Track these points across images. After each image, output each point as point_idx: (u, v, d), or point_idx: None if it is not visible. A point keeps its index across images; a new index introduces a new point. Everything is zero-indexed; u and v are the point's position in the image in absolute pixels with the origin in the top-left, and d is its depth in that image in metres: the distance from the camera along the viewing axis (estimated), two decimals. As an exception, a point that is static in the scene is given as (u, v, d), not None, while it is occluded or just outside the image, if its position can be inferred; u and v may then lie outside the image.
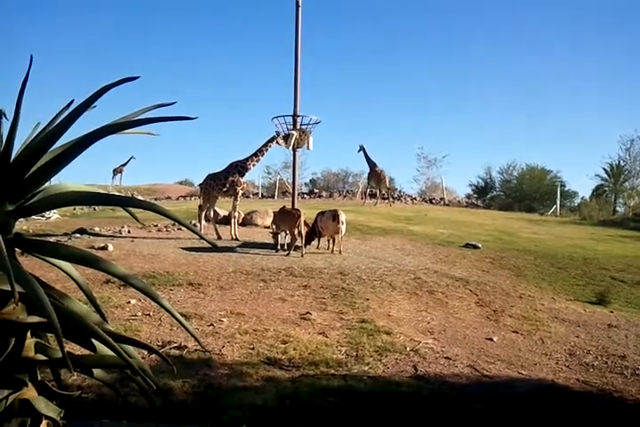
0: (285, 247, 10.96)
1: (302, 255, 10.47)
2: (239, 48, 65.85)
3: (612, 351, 6.38)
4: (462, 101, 63.94)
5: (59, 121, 2.10)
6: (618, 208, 32.31)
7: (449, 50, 64.45)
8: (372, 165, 22.61)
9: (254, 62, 65.72)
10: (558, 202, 30.31)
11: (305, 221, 11.17)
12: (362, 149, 22.65)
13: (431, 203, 30.68)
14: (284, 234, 11.25)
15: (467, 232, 15.88)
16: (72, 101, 2.13)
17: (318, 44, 57.93)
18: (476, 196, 37.08)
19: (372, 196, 29.98)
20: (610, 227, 21.26)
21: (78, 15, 64.26)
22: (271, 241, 11.34)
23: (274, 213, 11.81)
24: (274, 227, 11.47)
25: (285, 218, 11.08)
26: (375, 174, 22.57)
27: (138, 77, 2.08)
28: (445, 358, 5.65)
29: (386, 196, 24.58)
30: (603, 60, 59.21)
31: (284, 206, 11.84)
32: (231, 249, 10.65)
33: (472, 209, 28.45)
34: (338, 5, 62.69)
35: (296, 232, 10.72)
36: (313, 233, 11.40)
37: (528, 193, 33.47)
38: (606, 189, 34.92)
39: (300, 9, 11.92)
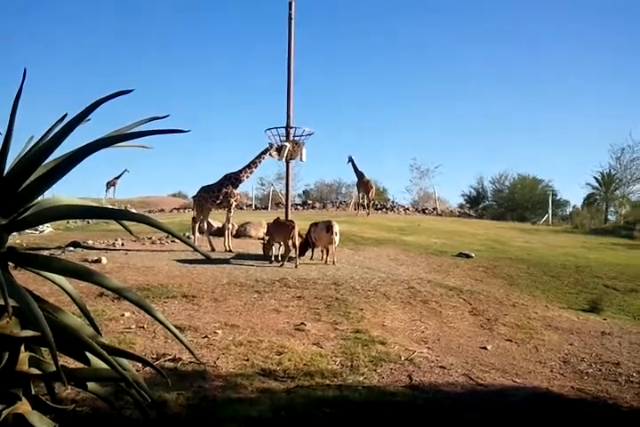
0: (279, 258, 10.94)
1: (296, 266, 10.45)
2: (232, 59, 66.00)
3: (606, 359, 6.38)
4: (454, 112, 64.26)
5: (52, 134, 2.11)
6: (609, 216, 32.43)
7: (441, 61, 64.78)
8: (359, 175, 22.93)
9: (247, 73, 65.88)
10: (550, 211, 30.43)
11: (299, 233, 11.18)
12: (350, 159, 22.91)
13: (424, 213, 30.75)
14: (277, 245, 11.25)
15: (459, 242, 15.91)
16: (65, 115, 2.14)
17: (311, 56, 58.28)
18: (468, 206, 37.18)
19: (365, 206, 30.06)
20: (601, 235, 21.34)
21: (73, 24, 64.24)
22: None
23: (268, 224, 11.80)
24: (266, 238, 11.49)
25: (280, 229, 11.09)
26: (363, 184, 22.88)
27: (131, 91, 2.10)
28: (440, 367, 5.64)
29: (367, 205, 24.54)
30: (595, 67, 59.57)
31: (279, 218, 11.85)
32: (225, 261, 10.62)
33: (465, 219, 28.53)
34: (331, 14, 62.92)
35: (290, 243, 10.72)
36: (307, 244, 11.41)
37: (520, 202, 33.59)
38: (597, 197, 35.04)
39: (292, 21, 12.00)
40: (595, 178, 34.78)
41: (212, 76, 66.16)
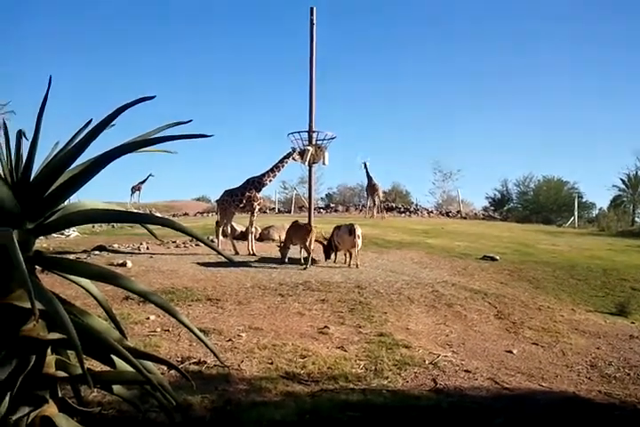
0: (302, 261, 10.96)
1: (305, 268, 10.54)
2: (254, 64, 66.40)
3: (634, 363, 6.28)
4: (478, 114, 63.78)
5: (77, 140, 2.13)
6: (637, 219, 31.99)
7: (464, 63, 64.42)
8: (369, 179, 24.54)
9: (270, 78, 66.13)
10: (576, 213, 30.03)
11: (324, 236, 11.28)
12: (365, 165, 24.56)
13: (448, 216, 30.56)
14: (298, 248, 11.31)
15: (484, 244, 15.77)
16: (90, 120, 2.16)
17: (333, 59, 58.26)
18: (492, 208, 36.85)
19: (388, 209, 30.03)
20: (628, 237, 21.00)
21: (91, 34, 65.07)
22: (289, 256, 11.35)
23: (288, 228, 11.86)
24: (283, 241, 11.62)
25: (297, 232, 11.16)
26: (370, 187, 24.63)
27: (154, 97, 2.11)
28: (465, 371, 5.59)
29: (377, 207, 25.73)
30: (622, 70, 58.71)
31: (297, 221, 11.91)
32: (249, 264, 10.66)
33: (489, 221, 28.28)
34: (353, 18, 62.88)
35: (307, 245, 10.79)
36: (330, 247, 11.43)
37: (545, 205, 33.23)
38: (624, 199, 34.58)
39: (314, 26, 12.01)
40: (621, 180, 34.36)
41: (237, 81, 66.42)
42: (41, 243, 12.20)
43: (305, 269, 10.46)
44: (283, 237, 13.95)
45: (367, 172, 24.48)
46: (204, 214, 29.47)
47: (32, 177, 2.11)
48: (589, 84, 61.27)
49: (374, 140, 60.46)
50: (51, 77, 2.09)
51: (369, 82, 65.93)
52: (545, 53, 62.28)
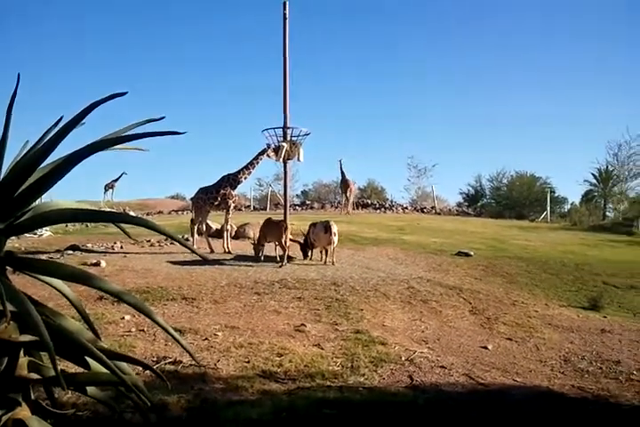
0: (278, 259, 10.94)
1: (281, 266, 10.52)
2: (228, 58, 65.82)
3: (607, 357, 6.39)
4: (451, 111, 64.20)
5: (48, 138, 2.10)
6: (607, 213, 32.55)
7: (437, 58, 64.63)
8: (343, 175, 25.20)
9: (244, 73, 65.64)
10: (548, 208, 30.46)
11: (303, 233, 11.29)
12: (340, 163, 25.31)
13: (422, 212, 30.76)
14: (273, 246, 11.30)
15: (459, 240, 15.92)
16: (61, 118, 2.14)
17: (306, 54, 58.21)
18: (466, 204, 37.22)
19: (364, 206, 30.18)
20: (600, 232, 21.39)
21: (70, 22, 63.98)
22: (265, 254, 11.34)
23: (262, 225, 11.84)
24: (256, 238, 11.60)
25: (272, 230, 11.14)
26: (345, 184, 25.10)
27: (126, 93, 2.09)
28: (441, 366, 5.64)
29: (351, 204, 26.22)
30: (592, 61, 59.52)
31: (270, 218, 11.89)
32: (224, 262, 10.63)
33: (463, 217, 28.54)
34: (324, 10, 62.84)
35: (282, 242, 10.78)
36: (306, 245, 11.45)
37: (518, 200, 33.68)
38: (595, 194, 35.14)
39: (287, 21, 11.96)
40: (592, 174, 34.91)
41: (209, 77, 65.99)
42: (13, 243, 12.01)
43: (281, 266, 10.45)
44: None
45: (341, 169, 25.04)
46: (179, 212, 29.26)
47: (1, 177, 2.08)
48: (559, 78, 61.96)
49: (349, 136, 60.62)
50: (19, 75, 2.06)
51: (343, 78, 65.91)
52: (513, 48, 62.77)
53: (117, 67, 64.37)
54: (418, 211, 31.12)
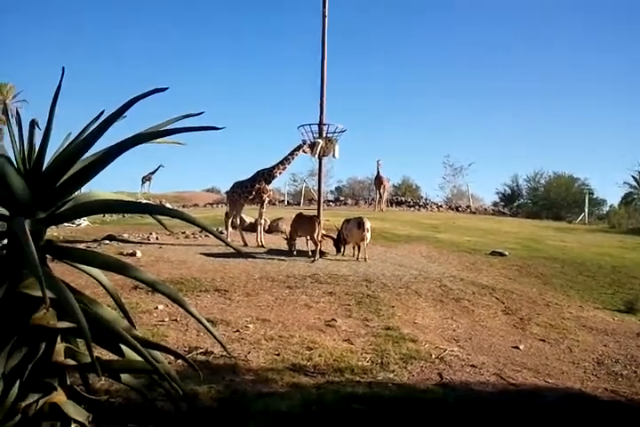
0: (310, 254, 10.97)
1: (313, 261, 10.55)
2: (265, 57, 66.21)
3: (642, 361, 6.27)
4: (489, 109, 63.44)
5: (89, 131, 2.14)
6: (647, 216, 31.78)
7: (477, 57, 64.00)
8: (378, 172, 25.45)
9: (281, 71, 65.94)
10: (586, 210, 29.87)
11: (337, 228, 11.30)
12: (377, 163, 25.51)
13: (457, 210, 30.47)
14: (304, 240, 11.35)
15: (493, 240, 15.73)
16: (102, 112, 2.18)
17: (345, 51, 58.04)
18: (502, 204, 36.74)
19: (398, 203, 30.06)
20: (639, 235, 20.89)
21: (109, 30, 65.07)
22: (298, 249, 11.38)
23: (293, 220, 11.87)
24: (288, 233, 11.64)
25: (302, 224, 11.18)
26: (379, 180, 25.37)
27: (166, 89, 2.12)
28: (471, 366, 5.60)
29: (379, 200, 26.23)
30: (634, 65, 58.11)
31: (301, 213, 11.93)
32: (257, 256, 10.70)
33: (499, 217, 28.18)
34: (365, 11, 62.55)
35: (315, 238, 10.79)
36: (339, 240, 11.46)
37: (555, 201, 33.09)
38: (635, 196, 34.39)
39: (326, 19, 11.96)
40: (632, 177, 34.18)
41: (248, 72, 66.40)
42: (51, 232, 12.27)
43: (313, 261, 10.47)
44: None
45: (377, 168, 25.33)
46: (214, 206, 29.51)
47: (44, 167, 2.13)
48: (603, 79, 60.71)
49: (385, 134, 60.34)
50: (64, 68, 2.11)
51: (380, 76, 65.59)
52: (556, 47, 61.79)
53: (156, 62, 65.12)
54: (452, 209, 30.84)
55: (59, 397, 2.06)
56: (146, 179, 33.91)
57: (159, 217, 2.39)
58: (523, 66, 62.83)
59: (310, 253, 10.97)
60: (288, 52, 67.33)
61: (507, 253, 12.95)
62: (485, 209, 33.32)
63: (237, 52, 68.34)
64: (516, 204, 36.40)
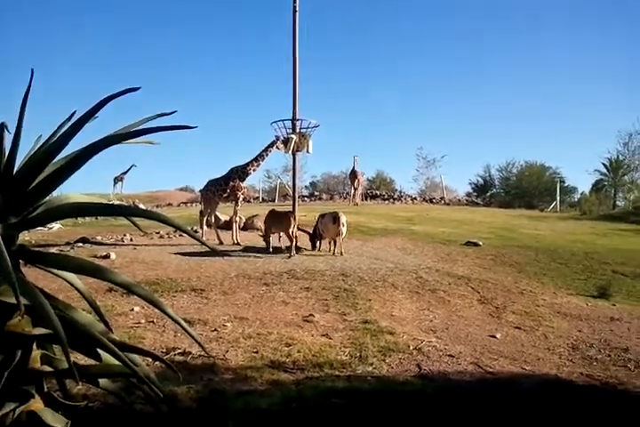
0: (285, 251, 10.98)
1: (290, 257, 10.58)
2: (239, 51, 65.77)
3: (615, 344, 6.40)
4: (460, 100, 63.92)
5: (61, 133, 2.12)
6: (618, 202, 32.42)
7: (446, 49, 64.39)
8: (353, 167, 25.82)
9: (252, 67, 65.61)
10: (558, 198, 30.36)
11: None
12: (354, 160, 25.86)
13: (431, 202, 30.72)
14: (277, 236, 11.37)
15: (467, 230, 15.90)
16: (74, 113, 2.16)
17: (316, 46, 57.98)
18: (475, 194, 37.14)
19: (372, 197, 30.19)
20: (610, 221, 21.28)
21: (78, 29, 64.11)
22: (274, 245, 11.39)
23: (265, 217, 11.88)
24: (263, 229, 11.67)
25: (276, 221, 11.20)
26: (353, 175, 25.57)
27: (139, 88, 2.11)
28: (449, 355, 5.67)
29: (353, 195, 26.41)
30: (600, 54, 58.97)
31: (273, 209, 11.95)
32: (233, 254, 10.67)
33: (472, 207, 28.48)
34: (336, 3, 62.48)
35: (290, 233, 10.81)
36: (314, 235, 11.49)
37: (528, 190, 33.56)
38: (606, 183, 34.99)
39: (297, 14, 11.93)
40: (603, 164, 34.76)
41: (219, 69, 65.94)
42: (23, 236, 12.08)
43: (289, 257, 10.48)
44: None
45: (354, 163, 25.67)
46: (188, 204, 29.34)
47: (15, 171, 2.11)
48: (568, 69, 61.50)
49: (358, 127, 60.45)
50: (32, 71, 2.08)
51: (351, 69, 65.60)
52: (525, 36, 62.35)
53: (127, 61, 64.39)
54: (427, 201, 31.08)
55: (36, 404, 2.05)
56: (118, 179, 33.51)
57: (133, 218, 2.38)
58: (491, 56, 63.26)
59: (285, 250, 10.98)
60: (262, 47, 66.96)
61: (481, 242, 13.11)
62: (459, 200, 33.65)
63: (210, 51, 67.74)
64: (488, 194, 36.82)
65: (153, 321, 6.25)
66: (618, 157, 33.99)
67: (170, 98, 53.15)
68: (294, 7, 11.95)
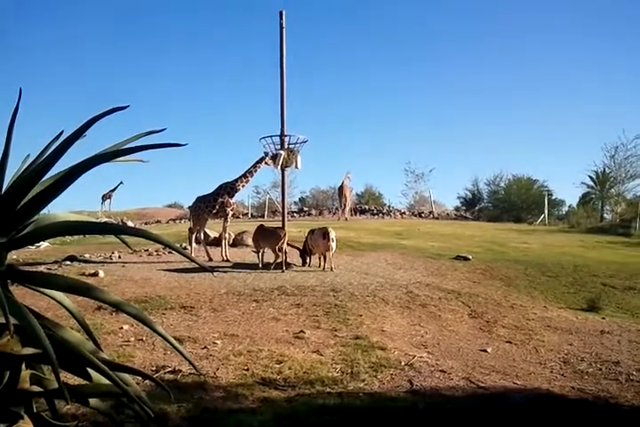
0: (269, 266, 10.96)
1: (282, 271, 10.66)
2: (226, 68, 65.97)
3: (606, 358, 6.42)
4: (446, 114, 64.34)
5: (49, 152, 2.13)
6: (605, 215, 32.58)
7: (429, 64, 64.84)
8: (342, 182, 25.50)
9: (240, 85, 65.82)
10: (546, 211, 30.52)
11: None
12: (347, 176, 25.74)
13: (420, 217, 30.80)
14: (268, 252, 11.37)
15: (457, 244, 15.95)
16: (62, 132, 2.16)
17: (302, 64, 58.32)
18: (464, 208, 37.25)
19: (361, 211, 30.26)
20: (598, 234, 21.42)
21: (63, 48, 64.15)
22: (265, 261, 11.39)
23: (254, 233, 11.89)
24: (254, 245, 11.71)
25: (265, 237, 11.22)
26: (341, 190, 25.45)
27: (127, 107, 2.12)
28: (440, 371, 5.66)
29: (349, 210, 26.49)
30: (584, 65, 59.66)
31: (262, 225, 11.96)
32: (223, 270, 10.64)
33: (461, 221, 28.58)
34: (322, 19, 62.95)
35: (277, 249, 10.83)
36: (304, 251, 11.51)
37: (516, 203, 33.69)
38: (593, 196, 35.21)
39: (284, 30, 12.04)
40: (589, 177, 34.97)
41: (206, 87, 66.06)
42: (11, 255, 11.99)
43: (282, 271, 10.47)
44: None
45: (343, 179, 25.49)
46: (177, 221, 29.24)
47: (3, 190, 2.10)
48: (557, 81, 62.13)
49: (346, 142, 60.63)
50: (21, 89, 2.09)
51: (339, 84, 65.95)
52: (516, 47, 62.95)
53: (109, 78, 64.45)
54: (416, 216, 31.16)
55: (25, 425, 2.03)
56: (106, 197, 33.48)
57: (122, 236, 2.38)
58: (482, 68, 63.79)
59: (273, 266, 10.97)
60: (249, 63, 67.20)
61: (470, 257, 13.15)
62: (448, 214, 33.74)
63: (195, 64, 67.93)
64: (477, 207, 36.92)
65: (142, 339, 6.21)
66: (604, 169, 34.26)
67: (155, 115, 53.24)
68: (281, 24, 12.08)
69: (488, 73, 61.77)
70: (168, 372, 5.21)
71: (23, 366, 2.04)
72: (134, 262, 11.72)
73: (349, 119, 63.42)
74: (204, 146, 60.96)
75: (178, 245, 2.07)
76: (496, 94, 63.26)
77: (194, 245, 12.88)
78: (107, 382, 1.94)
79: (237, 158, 55.52)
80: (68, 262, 11.51)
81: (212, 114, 64.75)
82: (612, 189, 34.04)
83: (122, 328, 6.58)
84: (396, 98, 63.76)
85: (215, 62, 65.93)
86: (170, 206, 44.70)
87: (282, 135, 12.09)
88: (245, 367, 5.45)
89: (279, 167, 12.27)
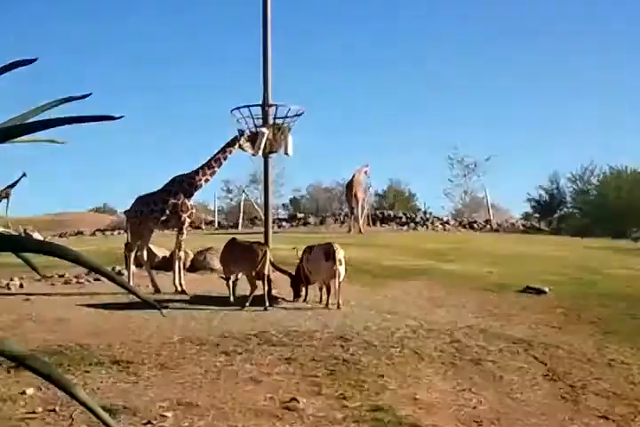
0: (245, 300, 10.91)
1: (265, 309, 10.63)
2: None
3: None
4: (507, 85, 64.55)
5: None
6: None
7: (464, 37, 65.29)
8: (352, 177, 25.94)
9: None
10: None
11: (298, 257, 11.30)
12: (365, 170, 26.27)
13: (472, 228, 30.86)
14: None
15: (526, 271, 15.92)
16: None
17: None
18: (537, 216, 37.26)
19: (383, 220, 30.28)
20: None
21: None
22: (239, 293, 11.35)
23: (222, 250, 11.83)
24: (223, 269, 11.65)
25: (239, 257, 11.10)
26: (350, 187, 25.79)
27: (35, 60, 2.11)
28: (502, 460, 5.66)
29: (364, 217, 26.95)
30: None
31: (234, 239, 11.82)
32: (176, 307, 10.63)
33: (533, 235, 28.56)
34: None
35: (256, 275, 10.76)
36: (298, 278, 11.38)
37: (616, 209, 33.61)
38: None
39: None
40: None
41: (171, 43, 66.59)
42: None
43: (246, 307, 10.47)
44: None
45: (354, 173, 25.70)
46: (107, 233, 29.29)
47: None
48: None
49: (362, 119, 60.63)
50: None
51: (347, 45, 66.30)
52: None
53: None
54: (465, 227, 31.24)
55: None
56: (2, 196, 33.49)
57: (24, 254, 2.37)
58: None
59: (250, 301, 10.85)
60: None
61: (547, 289, 13.11)
62: (513, 224, 33.77)
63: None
64: (556, 215, 36.91)
65: (55, 410, 6.19)
66: None
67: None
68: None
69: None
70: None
71: None
72: (44, 294, 11.71)
73: (367, 88, 63.47)
74: (151, 126, 61.04)
75: (109, 269, 2.06)
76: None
77: (133, 268, 12.83)
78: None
79: (200, 143, 55.56)
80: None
81: (169, 83, 65.00)
82: None
83: (24, 393, 6.57)
84: (431, 63, 63.91)
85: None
86: (97, 211, 44.87)
87: (264, 105, 12.02)
88: (209, 453, 5.44)
89: (260, 153, 12.18)
